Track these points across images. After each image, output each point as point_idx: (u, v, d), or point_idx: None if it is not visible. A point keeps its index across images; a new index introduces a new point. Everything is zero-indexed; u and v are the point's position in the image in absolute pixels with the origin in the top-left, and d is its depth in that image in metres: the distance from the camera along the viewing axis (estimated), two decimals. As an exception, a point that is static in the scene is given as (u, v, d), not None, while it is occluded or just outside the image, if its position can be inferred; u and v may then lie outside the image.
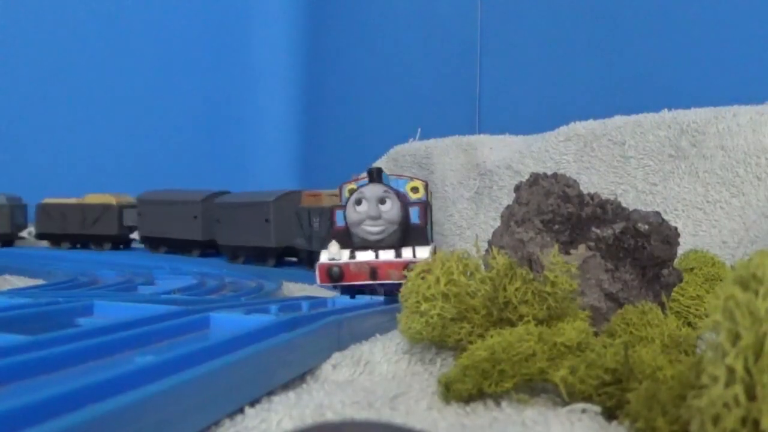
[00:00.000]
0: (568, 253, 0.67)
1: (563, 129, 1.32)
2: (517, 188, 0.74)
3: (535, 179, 0.73)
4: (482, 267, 0.62)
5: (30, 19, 2.43)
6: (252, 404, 0.48)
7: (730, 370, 0.30)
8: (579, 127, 1.30)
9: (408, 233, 0.89)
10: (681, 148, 1.16)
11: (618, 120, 1.26)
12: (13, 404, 0.34)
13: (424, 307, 0.59)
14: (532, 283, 0.58)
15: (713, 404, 0.30)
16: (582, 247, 0.68)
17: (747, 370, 0.30)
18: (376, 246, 0.87)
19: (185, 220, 1.71)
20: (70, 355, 0.47)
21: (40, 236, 1.99)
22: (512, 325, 0.56)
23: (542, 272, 0.59)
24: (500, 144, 1.43)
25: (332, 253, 0.88)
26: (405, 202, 0.90)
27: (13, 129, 2.37)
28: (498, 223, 0.75)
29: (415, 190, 0.97)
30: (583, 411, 0.46)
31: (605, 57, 1.36)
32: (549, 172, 0.74)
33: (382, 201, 0.86)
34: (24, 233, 2.09)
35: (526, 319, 0.56)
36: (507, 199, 0.94)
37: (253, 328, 0.57)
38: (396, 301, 0.68)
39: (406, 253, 0.86)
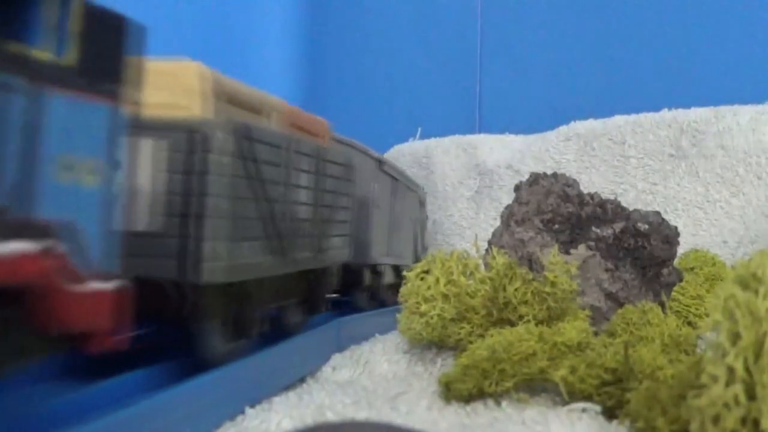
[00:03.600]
0: (568, 252, 0.67)
1: (563, 129, 1.32)
2: (517, 188, 0.74)
3: (535, 179, 0.73)
4: (482, 267, 0.62)
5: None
6: (252, 405, 0.48)
7: (730, 370, 0.30)
8: (579, 126, 1.30)
9: None
10: (681, 148, 1.16)
11: (618, 120, 1.26)
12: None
13: (424, 307, 0.59)
14: (532, 283, 0.58)
15: (713, 404, 0.30)
16: (582, 247, 0.68)
17: (747, 370, 0.30)
18: None
19: None
20: (72, 360, 0.47)
21: None
22: (512, 325, 0.56)
23: (542, 272, 0.59)
24: (500, 144, 1.43)
25: None
26: None
27: None
28: (498, 223, 0.75)
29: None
30: (584, 410, 0.46)
31: (605, 57, 1.36)
32: (549, 172, 0.74)
33: None
34: None
35: (525, 319, 0.56)
36: (507, 198, 0.94)
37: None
38: None
39: None
